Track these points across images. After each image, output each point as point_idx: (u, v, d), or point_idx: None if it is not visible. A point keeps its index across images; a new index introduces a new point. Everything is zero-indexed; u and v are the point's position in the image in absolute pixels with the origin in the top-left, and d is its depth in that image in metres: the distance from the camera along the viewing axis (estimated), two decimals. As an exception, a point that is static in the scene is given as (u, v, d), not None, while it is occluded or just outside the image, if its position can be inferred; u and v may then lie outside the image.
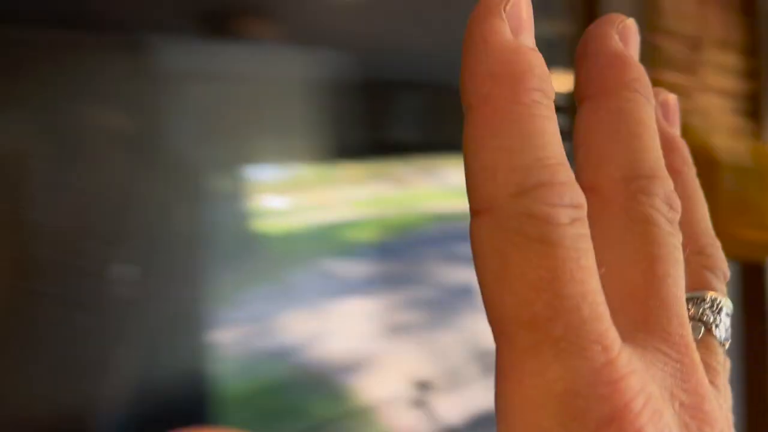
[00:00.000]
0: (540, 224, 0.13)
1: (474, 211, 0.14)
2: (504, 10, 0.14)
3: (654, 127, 0.16)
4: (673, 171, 0.17)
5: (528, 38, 0.14)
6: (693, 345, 0.14)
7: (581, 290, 0.13)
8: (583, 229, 0.13)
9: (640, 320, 0.14)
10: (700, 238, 0.17)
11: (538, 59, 0.14)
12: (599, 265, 0.14)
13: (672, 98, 0.19)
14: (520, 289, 0.13)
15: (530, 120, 0.13)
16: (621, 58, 0.16)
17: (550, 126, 0.14)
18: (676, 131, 0.19)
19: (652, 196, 0.15)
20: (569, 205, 0.13)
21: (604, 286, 0.14)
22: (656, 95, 0.18)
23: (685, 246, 0.16)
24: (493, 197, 0.13)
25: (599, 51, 0.16)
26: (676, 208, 0.15)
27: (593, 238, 0.14)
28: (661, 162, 0.16)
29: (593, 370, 0.12)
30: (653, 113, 0.16)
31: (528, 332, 0.12)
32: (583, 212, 0.13)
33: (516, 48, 0.14)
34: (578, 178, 0.15)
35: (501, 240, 0.13)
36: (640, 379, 0.13)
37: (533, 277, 0.13)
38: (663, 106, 0.19)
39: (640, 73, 0.16)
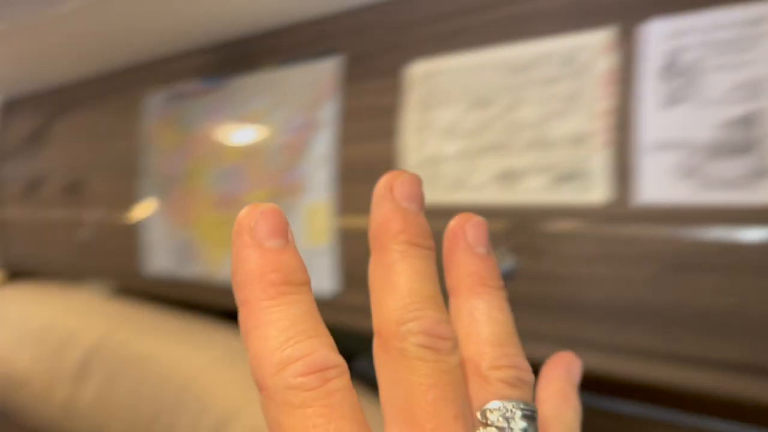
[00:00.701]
0: (298, 393, 0.17)
1: (258, 391, 0.18)
2: (252, 227, 0.18)
3: (423, 269, 0.19)
4: (470, 293, 0.21)
5: (274, 242, 0.18)
6: None
7: None
8: (338, 384, 0.17)
9: None
10: (492, 351, 0.20)
11: (282, 259, 0.18)
12: (386, 401, 0.18)
13: (476, 221, 0.21)
14: None
15: (277, 311, 0.17)
16: (391, 213, 0.19)
17: (297, 308, 0.18)
18: (480, 250, 0.21)
19: (419, 335, 0.18)
20: (318, 370, 0.17)
21: (389, 421, 0.18)
22: (466, 221, 0.21)
23: (479, 361, 0.20)
24: (262, 380, 0.17)
25: (375, 208, 0.20)
26: (447, 336, 0.19)
27: (383, 376, 0.18)
28: (428, 300, 0.19)
29: None
30: (420, 255, 0.19)
31: None
32: (334, 371, 0.17)
33: (260, 255, 0.18)
34: (373, 322, 0.19)
35: (274, 412, 0.17)
36: None
37: None
38: (471, 230, 0.21)
39: (407, 224, 0.20)
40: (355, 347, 0.50)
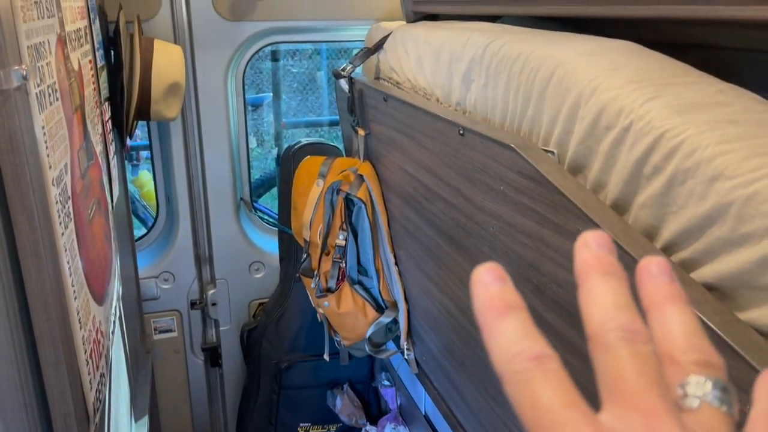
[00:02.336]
0: (524, 373, 0.24)
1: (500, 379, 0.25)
2: (483, 274, 0.26)
3: (616, 287, 0.26)
4: (661, 306, 0.27)
5: (496, 284, 0.26)
6: (663, 411, 0.23)
7: (558, 400, 0.24)
8: (551, 365, 0.24)
9: (626, 405, 0.23)
10: (682, 341, 0.26)
11: (503, 292, 0.26)
12: (600, 384, 0.25)
13: (660, 259, 0.28)
14: (537, 413, 0.23)
15: (503, 323, 0.25)
16: (588, 255, 0.27)
17: (516, 321, 0.25)
18: (664, 278, 0.27)
19: (615, 330, 0.25)
20: (536, 358, 0.24)
21: (603, 398, 0.24)
22: (650, 260, 0.28)
23: (672, 350, 0.26)
24: (501, 369, 0.25)
25: (577, 255, 0.27)
26: (637, 330, 0.25)
27: (597, 366, 0.25)
28: (622, 308, 0.25)
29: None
30: (612, 280, 0.26)
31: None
32: (547, 358, 0.24)
33: (489, 292, 0.26)
34: (585, 331, 0.26)
35: (511, 389, 0.24)
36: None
37: (539, 400, 0.23)
38: (655, 266, 0.28)
39: (599, 260, 0.27)
40: None
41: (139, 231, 2.20)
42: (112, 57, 1.62)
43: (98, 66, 1.44)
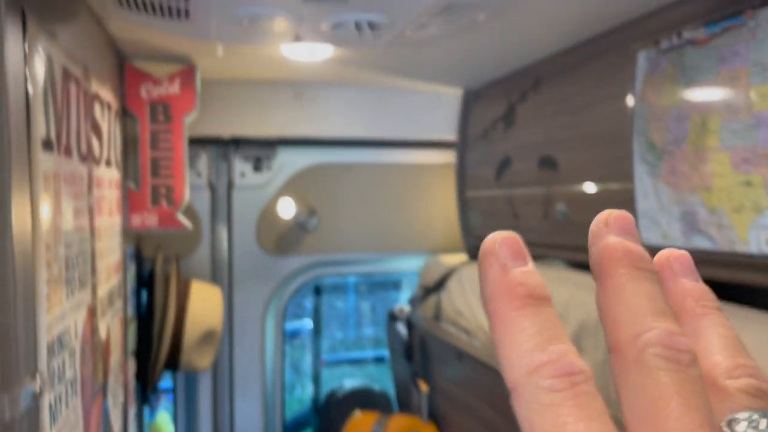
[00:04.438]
0: (548, 393, 0.18)
1: (510, 392, 0.19)
2: (496, 251, 0.20)
3: (649, 288, 0.20)
4: (692, 314, 0.22)
5: (517, 263, 0.20)
6: None
7: None
8: (585, 388, 0.18)
9: None
10: (726, 362, 0.21)
11: (525, 276, 0.20)
12: (628, 410, 0.19)
13: (679, 254, 0.23)
14: None
15: (524, 319, 0.19)
16: (611, 243, 0.21)
17: (542, 318, 0.19)
18: (689, 279, 0.22)
19: (657, 347, 0.19)
20: (566, 374, 0.18)
21: (634, 428, 0.19)
22: (669, 254, 0.23)
23: (713, 372, 0.20)
24: (514, 381, 0.19)
25: (595, 241, 0.21)
26: (683, 348, 0.19)
27: (623, 387, 0.19)
28: (661, 316, 0.19)
29: None
30: (645, 277, 0.20)
31: None
32: (581, 376, 0.18)
33: (505, 273, 0.20)
34: (606, 341, 0.20)
35: (526, 411, 0.18)
36: None
37: None
38: (675, 263, 0.23)
39: (628, 251, 0.21)
40: None
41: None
42: (144, 299, 1.46)
43: (128, 318, 1.26)
